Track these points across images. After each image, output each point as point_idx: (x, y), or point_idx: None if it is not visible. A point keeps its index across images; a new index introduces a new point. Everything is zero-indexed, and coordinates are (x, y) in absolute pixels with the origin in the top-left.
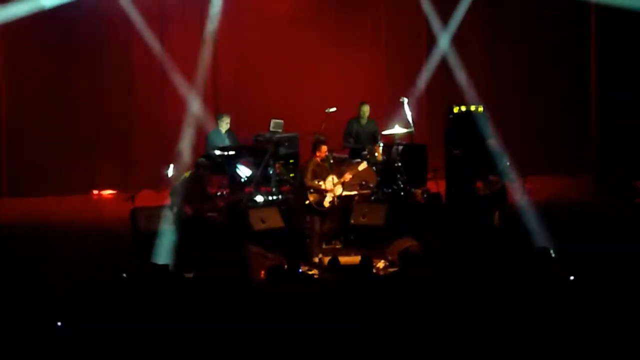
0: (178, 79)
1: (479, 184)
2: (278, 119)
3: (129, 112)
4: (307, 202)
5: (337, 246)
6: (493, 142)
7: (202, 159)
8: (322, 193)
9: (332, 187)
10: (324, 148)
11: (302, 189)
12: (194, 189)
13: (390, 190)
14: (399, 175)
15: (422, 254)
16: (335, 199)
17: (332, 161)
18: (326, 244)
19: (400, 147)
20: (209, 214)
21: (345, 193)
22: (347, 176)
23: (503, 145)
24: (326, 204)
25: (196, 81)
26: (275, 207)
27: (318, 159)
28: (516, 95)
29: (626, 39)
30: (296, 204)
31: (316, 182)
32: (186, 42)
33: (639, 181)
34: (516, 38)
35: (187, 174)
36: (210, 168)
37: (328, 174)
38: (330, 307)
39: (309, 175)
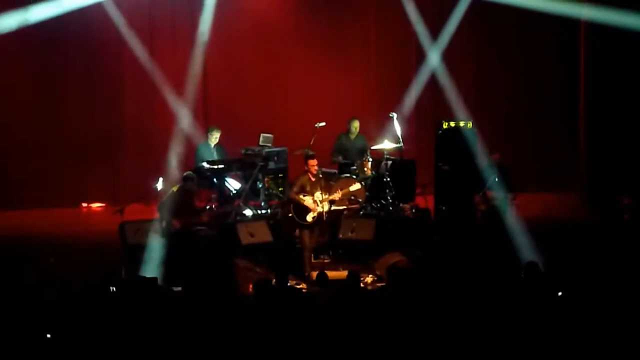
0: (168, 92)
1: (477, 199)
2: (267, 133)
3: (119, 125)
4: (289, 214)
5: (326, 260)
6: (495, 158)
7: (190, 173)
8: (305, 208)
9: (319, 203)
10: (312, 162)
11: (287, 201)
12: (182, 203)
13: (378, 205)
14: (387, 190)
15: (410, 269)
16: (324, 214)
17: (321, 176)
18: (314, 259)
19: (389, 162)
20: (197, 227)
21: (333, 207)
22: (337, 195)
23: (495, 161)
24: (309, 218)
25: (186, 94)
26: (264, 221)
27: (310, 175)
28: (505, 112)
29: (615, 56)
30: (284, 218)
31: (301, 197)
32: (176, 55)
33: (627, 197)
34: (505, 55)
35: (175, 188)
36: (198, 182)
37: (317, 190)
38: (318, 321)
39: (295, 189)
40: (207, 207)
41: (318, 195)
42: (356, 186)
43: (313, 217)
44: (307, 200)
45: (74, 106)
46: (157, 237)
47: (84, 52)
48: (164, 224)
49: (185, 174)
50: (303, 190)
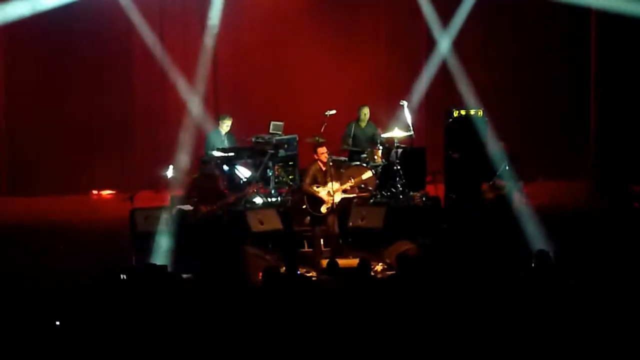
0: (178, 79)
1: (485, 187)
2: (278, 121)
3: (129, 112)
4: (303, 206)
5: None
6: (501, 146)
7: (208, 157)
8: (318, 199)
9: (332, 194)
10: (321, 150)
11: (300, 192)
12: (209, 187)
13: (389, 193)
14: (397, 179)
15: (419, 257)
16: (334, 205)
17: (331, 165)
18: (324, 247)
19: (400, 150)
20: (222, 212)
21: (344, 196)
22: (349, 184)
23: (509, 149)
24: (323, 210)
25: (196, 82)
26: (274, 209)
27: (320, 164)
28: (515, 100)
29: (627, 43)
30: (294, 206)
31: (314, 188)
32: (186, 42)
33: (637, 185)
34: (516, 42)
35: (198, 174)
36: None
37: (329, 180)
38: (327, 310)
39: (307, 180)
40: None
41: (331, 185)
42: (367, 174)
43: (327, 209)
44: (321, 192)
45: (84, 93)
46: (167, 224)
47: (93, 38)
48: (174, 211)
49: (204, 158)
50: (315, 181)
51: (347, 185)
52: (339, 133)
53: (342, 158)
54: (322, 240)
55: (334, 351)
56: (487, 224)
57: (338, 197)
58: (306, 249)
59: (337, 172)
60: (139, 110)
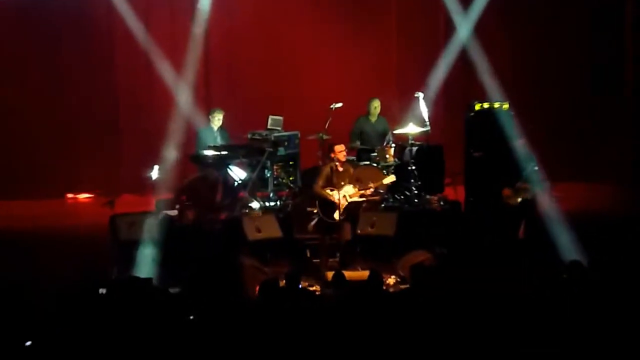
0: (165, 71)
1: (506, 192)
2: (277, 115)
3: (110, 107)
4: (315, 211)
5: (336, 262)
6: (521, 143)
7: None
8: (332, 204)
9: (348, 199)
10: (339, 148)
11: (305, 196)
12: (205, 194)
13: (402, 197)
14: (412, 180)
15: (437, 268)
16: (343, 210)
17: (350, 166)
18: (333, 257)
19: (415, 148)
20: (212, 225)
21: (351, 200)
22: (370, 191)
23: (529, 147)
24: (336, 216)
25: (185, 73)
26: (273, 215)
27: (337, 164)
28: (543, 92)
29: None
30: (297, 211)
31: (327, 191)
32: (174, 29)
33: None
34: (545, 28)
35: (197, 175)
36: (201, 169)
37: (345, 182)
38: (333, 328)
39: (320, 182)
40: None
41: (348, 189)
42: (390, 178)
43: (341, 215)
44: (335, 196)
45: (60, 87)
46: (153, 231)
47: (73, 27)
48: (161, 216)
49: (191, 156)
50: (329, 183)
51: (367, 191)
52: (346, 129)
53: (350, 157)
54: (329, 250)
55: None
56: (511, 232)
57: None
58: (309, 260)
59: (357, 174)
60: (121, 104)
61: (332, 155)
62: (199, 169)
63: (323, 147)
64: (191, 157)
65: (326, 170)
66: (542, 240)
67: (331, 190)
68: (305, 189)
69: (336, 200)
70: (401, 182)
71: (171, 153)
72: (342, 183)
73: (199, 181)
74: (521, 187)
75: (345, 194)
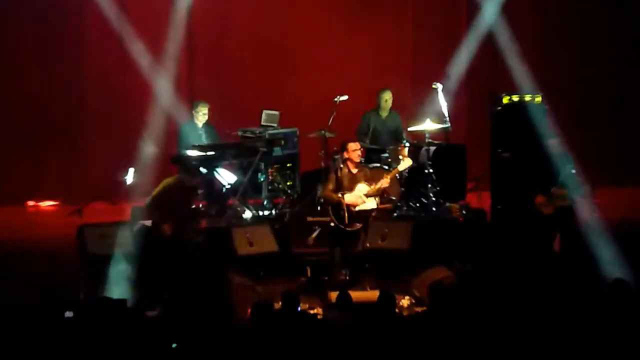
0: (142, 57)
1: (540, 199)
2: (272, 109)
3: (78, 99)
4: (330, 222)
5: (346, 277)
6: (555, 142)
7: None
8: (343, 209)
9: (365, 199)
10: (353, 147)
11: (306, 203)
12: (181, 202)
13: (417, 205)
14: (429, 185)
15: (458, 287)
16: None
17: (365, 167)
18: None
19: (432, 148)
20: (193, 236)
21: (361, 206)
22: (385, 181)
23: (566, 146)
24: (352, 222)
25: (165, 59)
26: (267, 226)
27: (350, 165)
28: (581, 82)
29: None
30: (295, 221)
31: (337, 195)
32: (152, 7)
33: None
34: (583, 10)
35: (170, 180)
36: (183, 172)
37: (357, 182)
38: (338, 358)
39: (329, 185)
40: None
41: (362, 187)
42: (406, 163)
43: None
44: (349, 198)
45: (19, 78)
46: (127, 245)
47: (34, 10)
48: (137, 227)
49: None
50: (340, 188)
51: (383, 182)
52: (353, 125)
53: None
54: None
55: None
56: (545, 245)
57: (373, 202)
58: (310, 278)
59: (372, 174)
60: (91, 97)
61: (345, 154)
62: (179, 171)
63: (326, 147)
64: (172, 158)
65: (338, 173)
66: (580, 254)
67: (342, 194)
68: (305, 196)
69: (353, 203)
70: (417, 188)
71: (149, 149)
72: (354, 185)
73: (174, 188)
74: (557, 193)
75: (360, 193)
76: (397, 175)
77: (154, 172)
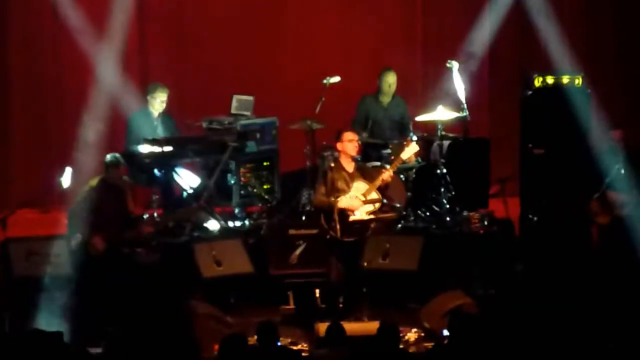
0: (81, 33)
1: (594, 205)
2: (244, 94)
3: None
4: (327, 236)
5: (339, 305)
6: (603, 134)
7: (116, 156)
8: (334, 217)
9: (359, 202)
10: (349, 136)
11: (287, 212)
12: (107, 208)
13: (428, 214)
14: (443, 189)
15: (481, 317)
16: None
17: (363, 164)
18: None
19: (446, 143)
20: (133, 248)
21: (357, 213)
22: (387, 175)
23: (615, 139)
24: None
25: (110, 36)
26: (240, 240)
27: (345, 161)
28: (633, 58)
29: None
30: (274, 235)
31: (330, 199)
32: None
33: None
34: None
35: (93, 182)
36: (131, 173)
37: (353, 181)
38: None
39: (321, 189)
40: (146, 215)
41: (359, 185)
42: (412, 149)
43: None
44: (345, 201)
45: None
46: (62, 264)
47: None
48: (76, 241)
49: (108, 158)
50: (335, 190)
51: (384, 176)
52: (347, 114)
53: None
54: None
55: None
56: (594, 263)
57: (370, 207)
58: (294, 306)
59: (370, 171)
60: (16, 81)
61: (339, 145)
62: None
63: (312, 141)
64: (116, 156)
65: (330, 174)
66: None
67: (336, 197)
68: (287, 202)
69: (350, 207)
70: (427, 192)
71: (91, 132)
72: (350, 185)
73: (100, 188)
74: (613, 198)
75: (357, 193)
76: (399, 164)
77: (96, 173)
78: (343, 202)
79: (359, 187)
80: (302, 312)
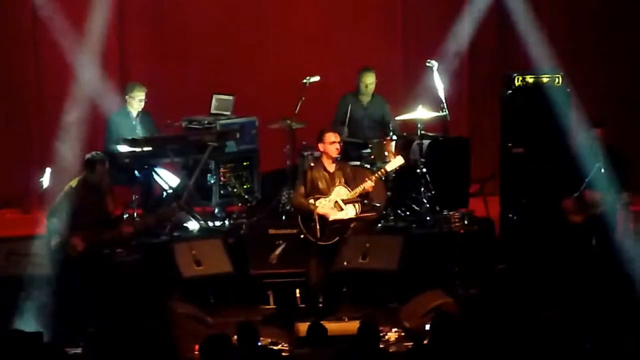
0: (60, 31)
1: (568, 204)
2: (224, 94)
3: None
4: (300, 234)
5: (319, 305)
6: (583, 133)
7: (97, 154)
8: (321, 219)
9: (342, 205)
10: (330, 137)
11: (267, 212)
12: (87, 208)
13: (408, 213)
14: (423, 189)
15: (461, 317)
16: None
17: (345, 164)
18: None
19: (426, 142)
20: (113, 248)
21: (338, 216)
22: (369, 184)
23: (595, 138)
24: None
25: (90, 36)
26: (219, 240)
27: (326, 162)
28: (613, 56)
29: None
30: (254, 235)
31: (310, 202)
32: None
33: None
34: None
35: (73, 182)
36: (111, 172)
37: (334, 185)
38: None
39: (301, 189)
40: (126, 215)
41: (339, 190)
42: (397, 162)
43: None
44: (322, 206)
45: None
46: (42, 264)
47: None
48: (55, 242)
49: (88, 156)
50: (315, 190)
51: (367, 185)
52: (327, 113)
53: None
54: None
55: None
56: (572, 263)
57: (352, 210)
58: (274, 305)
59: (353, 172)
60: None
61: (321, 147)
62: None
63: (292, 140)
64: (86, 158)
65: (310, 174)
66: (617, 276)
67: (315, 200)
68: (267, 202)
69: (326, 213)
70: (407, 192)
71: (69, 150)
72: (332, 187)
73: (78, 188)
74: (589, 197)
75: (337, 198)
76: (382, 176)
77: (77, 172)
78: (321, 207)
79: (340, 192)
80: (283, 312)
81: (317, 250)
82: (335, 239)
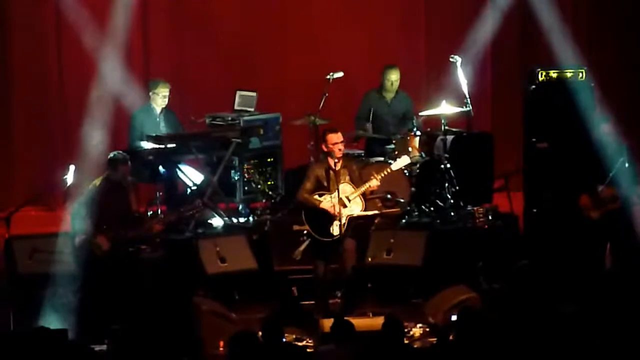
0: (83, 29)
1: (585, 201)
2: (247, 90)
3: (1, 84)
4: (305, 231)
5: (339, 300)
6: (606, 128)
7: (120, 153)
8: (324, 215)
9: (347, 202)
10: (333, 138)
11: (291, 208)
12: (111, 206)
13: (432, 209)
14: (447, 185)
15: (485, 312)
16: (349, 222)
17: (351, 162)
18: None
19: (450, 138)
20: (137, 246)
21: (361, 213)
22: (374, 183)
23: (619, 133)
24: (334, 231)
25: (113, 32)
26: (244, 237)
27: (331, 160)
28: (625, 54)
29: None
30: (278, 231)
31: (315, 197)
32: None
33: None
34: None
35: (97, 181)
36: (135, 170)
37: (340, 182)
38: None
39: (307, 185)
40: (150, 212)
41: (344, 188)
42: (404, 160)
43: (342, 227)
44: (326, 202)
45: None
46: (66, 262)
47: None
48: (80, 240)
49: (110, 155)
50: (320, 187)
51: (371, 184)
52: (351, 109)
53: (356, 152)
54: (328, 286)
55: None
56: (593, 258)
57: (357, 207)
58: (297, 301)
59: (359, 171)
60: (18, 78)
61: (324, 147)
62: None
63: (316, 136)
64: (109, 157)
65: (315, 170)
66: (635, 269)
67: (320, 196)
68: (291, 198)
69: (330, 209)
70: (431, 187)
71: (95, 138)
72: (336, 184)
73: (102, 187)
74: (605, 193)
75: (342, 195)
76: (405, 171)
77: (101, 171)
78: (325, 203)
79: (345, 189)
80: (306, 308)
81: (319, 246)
82: (341, 234)
